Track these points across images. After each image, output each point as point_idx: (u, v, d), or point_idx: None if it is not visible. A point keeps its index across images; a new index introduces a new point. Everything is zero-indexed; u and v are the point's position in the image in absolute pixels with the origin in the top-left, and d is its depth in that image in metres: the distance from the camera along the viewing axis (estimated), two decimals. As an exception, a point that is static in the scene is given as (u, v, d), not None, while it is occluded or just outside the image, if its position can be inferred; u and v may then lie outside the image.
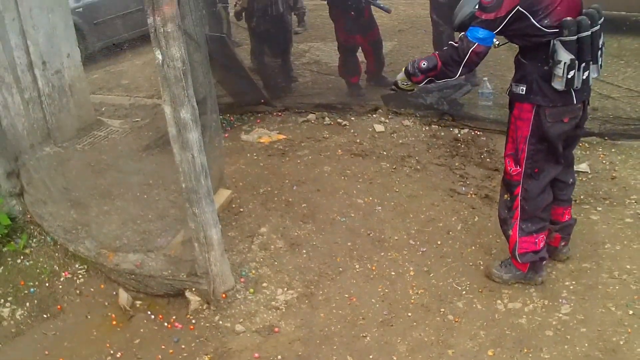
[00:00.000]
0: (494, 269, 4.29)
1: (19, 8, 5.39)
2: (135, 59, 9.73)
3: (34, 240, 4.90)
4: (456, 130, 6.37)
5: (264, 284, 4.41)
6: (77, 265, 4.67)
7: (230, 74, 6.86)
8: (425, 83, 4.02)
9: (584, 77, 3.68)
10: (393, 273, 4.46)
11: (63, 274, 4.63)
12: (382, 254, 4.66)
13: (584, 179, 5.36)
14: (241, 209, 5.26)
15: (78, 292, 4.50)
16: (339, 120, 6.83)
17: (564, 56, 3.60)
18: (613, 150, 5.81)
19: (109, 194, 5.25)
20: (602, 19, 3.70)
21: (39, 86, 5.61)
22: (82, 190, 5.25)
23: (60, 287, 4.53)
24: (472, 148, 6.03)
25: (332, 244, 4.81)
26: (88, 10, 10.02)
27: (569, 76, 3.62)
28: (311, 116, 6.98)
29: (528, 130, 3.86)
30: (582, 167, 5.49)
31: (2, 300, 4.43)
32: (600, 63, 3.78)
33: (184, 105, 3.76)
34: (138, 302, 4.40)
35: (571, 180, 4.25)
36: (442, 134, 6.36)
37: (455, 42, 3.75)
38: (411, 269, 4.48)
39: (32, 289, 4.51)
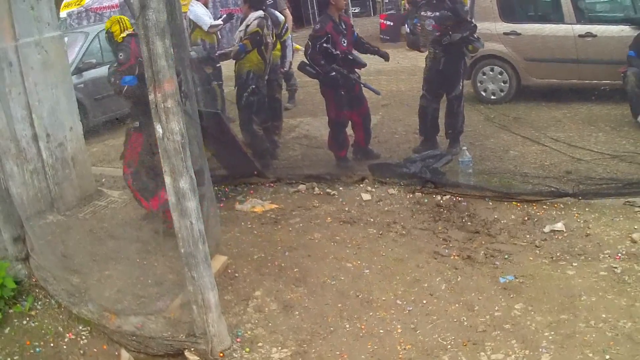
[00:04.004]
0: None
1: (25, 83, 5.71)
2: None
3: (39, 302, 5.06)
4: (438, 197, 6.59)
5: (259, 344, 4.55)
6: (80, 327, 4.81)
7: (225, 148, 7.08)
8: None
9: None
10: (381, 331, 4.59)
11: (67, 334, 4.76)
12: (371, 313, 4.80)
13: (559, 237, 5.56)
14: (236, 274, 5.42)
15: (82, 352, 4.62)
16: (327, 190, 7.06)
17: None
18: (587, 209, 6.01)
19: (110, 260, 5.44)
20: None
21: (43, 157, 5.90)
22: (84, 256, 5.44)
23: (65, 347, 4.65)
24: (453, 213, 6.25)
25: (323, 305, 4.96)
26: (89, 86, 10.43)
27: None
28: (302, 186, 7.20)
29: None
30: (558, 226, 5.69)
31: (9, 359, 4.56)
32: None
33: (182, 176, 3.98)
34: (139, 362, 4.55)
35: None
36: (426, 200, 6.58)
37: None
38: (398, 326, 4.62)
39: (37, 349, 4.63)
